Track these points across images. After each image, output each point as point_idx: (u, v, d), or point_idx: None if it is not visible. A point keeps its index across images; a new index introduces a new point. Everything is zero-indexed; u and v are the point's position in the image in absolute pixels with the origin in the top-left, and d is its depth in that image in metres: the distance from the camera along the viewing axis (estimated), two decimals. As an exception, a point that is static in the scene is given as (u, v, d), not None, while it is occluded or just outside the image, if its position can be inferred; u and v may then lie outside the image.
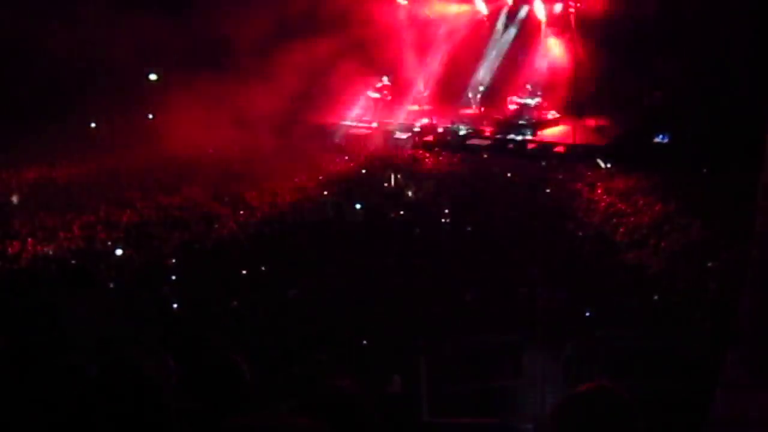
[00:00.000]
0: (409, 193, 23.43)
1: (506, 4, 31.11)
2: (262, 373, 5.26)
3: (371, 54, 30.47)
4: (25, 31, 27.08)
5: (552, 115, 29.60)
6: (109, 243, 18.45)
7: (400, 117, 30.64)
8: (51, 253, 18.10)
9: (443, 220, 21.06)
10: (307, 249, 18.52)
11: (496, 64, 31.33)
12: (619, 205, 21.65)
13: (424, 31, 32.04)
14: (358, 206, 21.92)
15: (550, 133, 28.91)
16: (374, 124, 30.60)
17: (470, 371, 8.82)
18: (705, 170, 23.66)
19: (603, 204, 21.86)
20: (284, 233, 19.98)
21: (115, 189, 23.74)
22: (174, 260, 17.82)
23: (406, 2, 31.88)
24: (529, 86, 29.44)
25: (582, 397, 2.97)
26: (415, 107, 31.18)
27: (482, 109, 30.83)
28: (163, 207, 21.94)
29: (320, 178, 24.88)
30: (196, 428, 3.87)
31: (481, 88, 31.28)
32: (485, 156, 27.47)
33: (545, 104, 29.68)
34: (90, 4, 28.12)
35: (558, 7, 29.97)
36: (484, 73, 31.42)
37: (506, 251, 18.01)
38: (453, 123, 29.92)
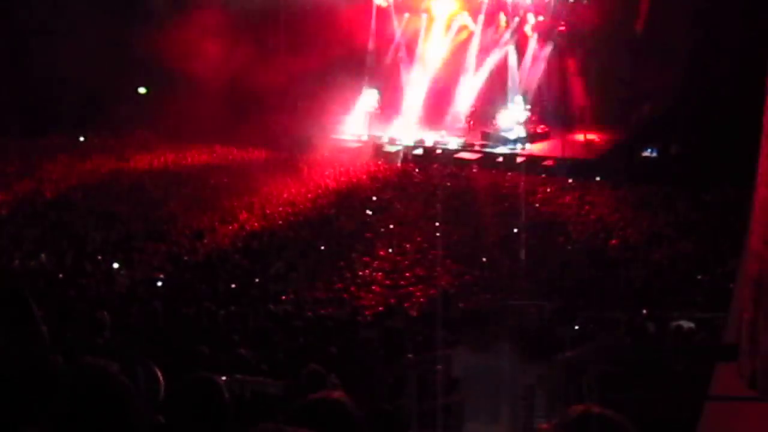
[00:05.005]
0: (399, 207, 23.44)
1: (497, 18, 31.16)
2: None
3: (362, 68, 30.58)
4: (12, 47, 27.08)
5: (541, 128, 29.66)
6: (99, 257, 18.33)
7: (390, 131, 30.65)
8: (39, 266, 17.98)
9: (433, 233, 21.06)
10: (297, 261, 18.49)
11: (486, 78, 31.35)
12: (608, 218, 21.68)
13: (413, 45, 32.16)
14: None
15: (539, 146, 28.95)
16: (364, 138, 30.58)
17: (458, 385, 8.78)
18: (694, 184, 23.75)
19: (592, 217, 21.89)
20: (273, 246, 19.94)
21: (104, 203, 23.64)
22: (162, 274, 17.73)
23: (386, 4, 31.79)
24: (518, 100, 29.42)
25: (573, 425, 2.83)
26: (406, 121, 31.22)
27: (472, 123, 30.82)
28: (152, 220, 21.85)
29: (310, 190, 24.82)
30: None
31: (471, 103, 31.30)
32: (474, 169, 27.49)
33: (534, 118, 29.73)
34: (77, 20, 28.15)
35: (547, 23, 30.10)
36: (474, 88, 31.42)
37: (496, 264, 18.02)
38: (443, 137, 29.94)
